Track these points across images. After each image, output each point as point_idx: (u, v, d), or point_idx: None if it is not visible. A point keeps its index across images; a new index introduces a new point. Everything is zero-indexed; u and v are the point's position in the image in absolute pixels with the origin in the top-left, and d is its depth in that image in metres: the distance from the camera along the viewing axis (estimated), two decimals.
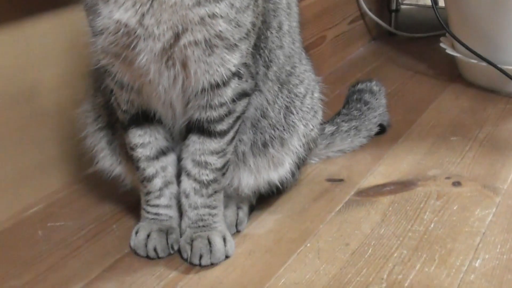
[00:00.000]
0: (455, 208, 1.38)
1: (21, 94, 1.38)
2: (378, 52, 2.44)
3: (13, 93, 1.36)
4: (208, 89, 1.12)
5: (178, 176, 1.24)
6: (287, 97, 1.28)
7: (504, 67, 1.91)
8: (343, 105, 1.69)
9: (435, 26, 2.32)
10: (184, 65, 1.08)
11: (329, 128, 1.59)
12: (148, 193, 1.25)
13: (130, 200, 1.38)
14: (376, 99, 1.68)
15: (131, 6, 1.02)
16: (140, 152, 1.22)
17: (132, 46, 1.05)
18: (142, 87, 1.14)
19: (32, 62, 1.39)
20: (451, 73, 2.15)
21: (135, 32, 1.04)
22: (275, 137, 1.27)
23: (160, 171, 1.23)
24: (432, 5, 2.07)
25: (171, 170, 1.24)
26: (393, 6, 2.61)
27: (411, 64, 2.29)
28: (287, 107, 1.28)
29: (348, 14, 2.39)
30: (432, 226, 1.31)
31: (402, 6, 2.71)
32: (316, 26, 2.16)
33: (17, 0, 1.34)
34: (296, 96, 1.30)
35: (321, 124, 1.43)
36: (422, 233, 1.29)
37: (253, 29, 1.13)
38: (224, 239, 1.22)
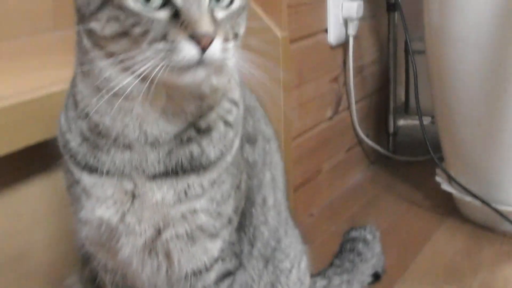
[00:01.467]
0: None
1: (10, 258, 1.38)
2: (375, 179, 2.45)
3: (2, 258, 1.37)
4: (191, 275, 1.12)
5: None
6: (272, 273, 1.27)
7: (499, 206, 1.91)
8: (336, 254, 1.68)
9: (434, 147, 2.33)
10: (167, 255, 1.09)
11: (320, 283, 1.57)
12: None
13: None
14: (370, 249, 1.66)
15: (112, 204, 1.04)
16: None
17: (114, 240, 1.06)
18: (126, 273, 1.14)
19: (23, 226, 1.40)
20: (447, 205, 2.15)
21: (117, 229, 1.05)
22: None
23: None
24: (425, 140, 2.09)
25: None
26: (391, 129, 2.63)
27: (407, 193, 2.30)
28: (272, 284, 1.27)
29: (345, 143, 2.40)
30: None
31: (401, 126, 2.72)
32: (311, 161, 2.16)
33: (8, 165, 1.37)
34: (282, 272, 1.29)
35: (312, 276, 1.41)
36: None
37: (235, 213, 1.14)
38: None
